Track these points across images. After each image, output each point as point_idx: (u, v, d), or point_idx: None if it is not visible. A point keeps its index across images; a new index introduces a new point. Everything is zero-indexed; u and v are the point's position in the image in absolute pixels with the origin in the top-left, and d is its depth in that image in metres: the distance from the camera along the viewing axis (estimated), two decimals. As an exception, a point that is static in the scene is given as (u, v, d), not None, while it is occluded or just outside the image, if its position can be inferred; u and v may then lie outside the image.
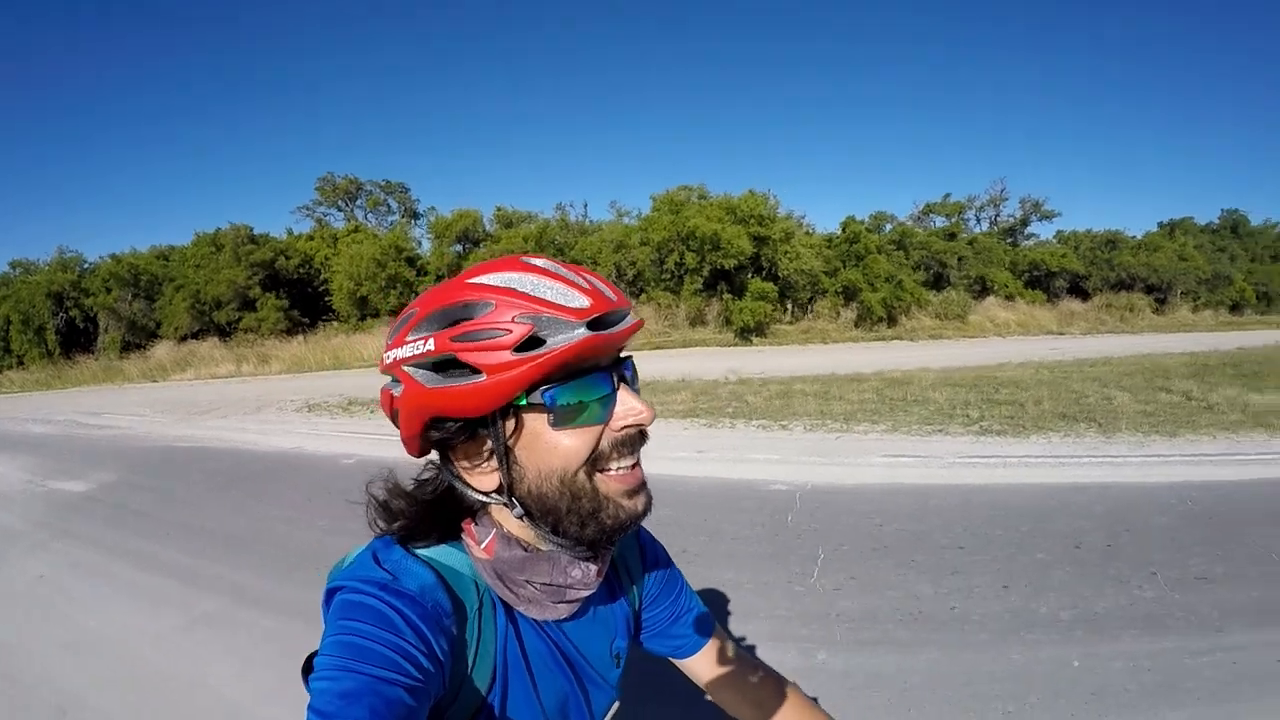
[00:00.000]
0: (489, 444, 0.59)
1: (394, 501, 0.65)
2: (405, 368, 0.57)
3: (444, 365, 0.55)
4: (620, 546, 0.78)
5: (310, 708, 0.48)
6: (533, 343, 0.52)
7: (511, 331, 0.52)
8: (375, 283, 16.86)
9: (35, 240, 55.98)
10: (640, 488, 0.61)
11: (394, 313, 17.30)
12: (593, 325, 0.54)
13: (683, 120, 62.65)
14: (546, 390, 0.54)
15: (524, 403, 0.55)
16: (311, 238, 19.69)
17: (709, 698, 0.85)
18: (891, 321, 15.78)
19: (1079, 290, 21.42)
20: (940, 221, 21.48)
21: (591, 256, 15.92)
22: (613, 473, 0.59)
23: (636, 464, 0.61)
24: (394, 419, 0.61)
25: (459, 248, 17.51)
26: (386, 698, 0.48)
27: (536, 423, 0.56)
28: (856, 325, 15.91)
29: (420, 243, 18.70)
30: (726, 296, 15.03)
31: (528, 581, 0.63)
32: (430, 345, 0.55)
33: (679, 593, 0.85)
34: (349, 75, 68.46)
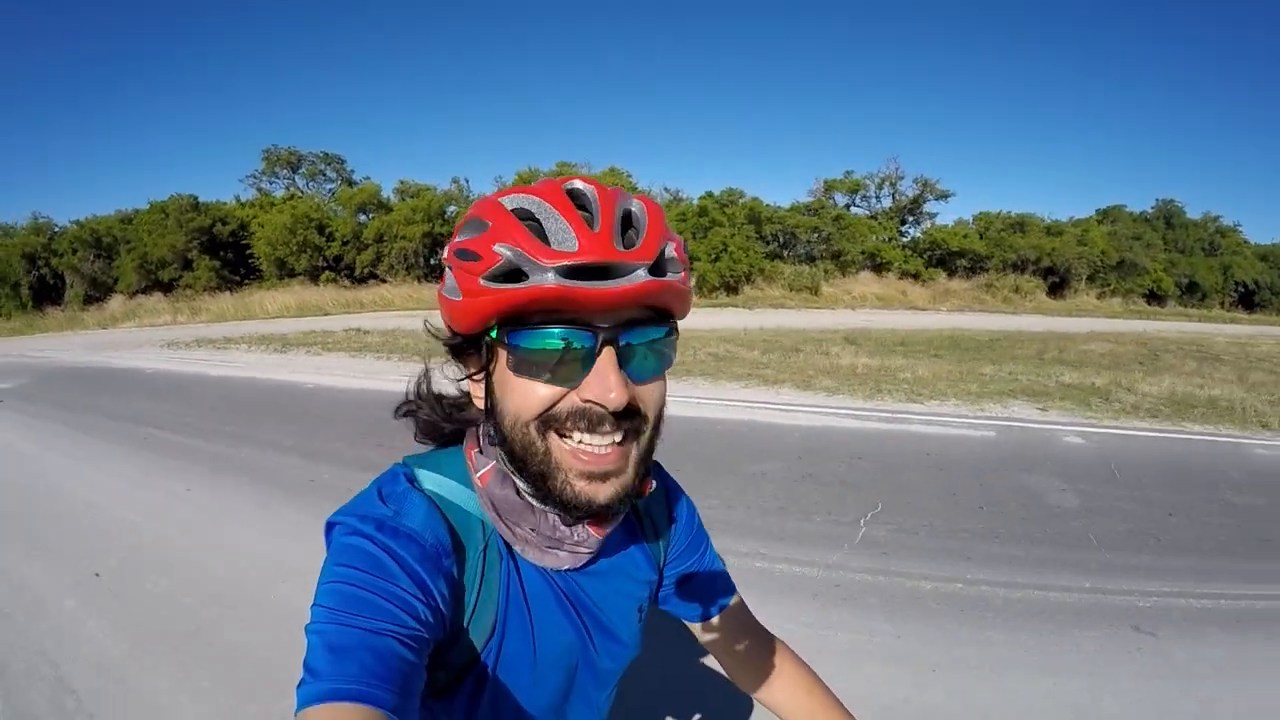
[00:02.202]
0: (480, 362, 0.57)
1: (426, 395, 0.65)
2: (446, 264, 0.56)
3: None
4: (647, 499, 0.70)
5: (304, 662, 0.47)
6: (509, 276, 0.49)
7: (482, 258, 0.49)
8: (288, 247, 18.96)
9: (11, 205, 62.61)
10: (603, 475, 0.54)
11: (307, 272, 19.42)
12: (568, 273, 0.48)
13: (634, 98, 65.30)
14: (514, 331, 0.51)
15: (494, 336, 0.53)
16: (252, 205, 21.95)
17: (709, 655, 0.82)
18: (732, 290, 16.81)
19: (984, 270, 21.73)
20: (840, 198, 22.16)
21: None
22: (573, 443, 0.53)
23: (610, 448, 0.53)
24: None
25: (361, 217, 19.41)
26: (379, 651, 0.47)
27: (505, 359, 0.53)
28: (695, 293, 16.85)
29: (336, 211, 20.62)
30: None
31: (519, 524, 0.59)
32: (446, 251, 0.54)
33: (703, 552, 0.78)
34: (312, 50, 73.56)
